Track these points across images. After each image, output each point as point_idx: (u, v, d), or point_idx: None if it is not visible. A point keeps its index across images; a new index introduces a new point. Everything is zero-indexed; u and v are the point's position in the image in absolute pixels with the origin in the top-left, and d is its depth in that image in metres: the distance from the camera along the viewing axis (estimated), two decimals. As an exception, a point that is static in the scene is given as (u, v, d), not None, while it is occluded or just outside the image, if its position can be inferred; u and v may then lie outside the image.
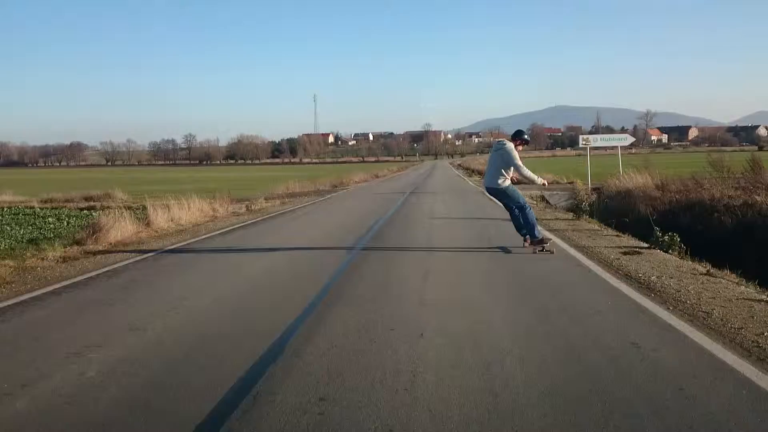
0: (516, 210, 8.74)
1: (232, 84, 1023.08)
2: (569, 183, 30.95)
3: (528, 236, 8.70)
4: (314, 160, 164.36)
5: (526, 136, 9.16)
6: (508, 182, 8.65)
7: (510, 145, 8.63)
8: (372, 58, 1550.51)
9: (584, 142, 22.53)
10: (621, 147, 25.05)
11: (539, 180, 9.07)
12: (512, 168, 8.55)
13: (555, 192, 23.66)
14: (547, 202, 22.41)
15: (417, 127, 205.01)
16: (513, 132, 9.26)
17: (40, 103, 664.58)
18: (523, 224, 8.67)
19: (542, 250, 8.47)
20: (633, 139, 23.42)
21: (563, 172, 41.85)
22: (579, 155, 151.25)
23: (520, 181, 9.19)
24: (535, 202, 19.33)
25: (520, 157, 8.59)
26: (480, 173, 51.27)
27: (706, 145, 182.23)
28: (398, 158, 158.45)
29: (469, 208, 16.58)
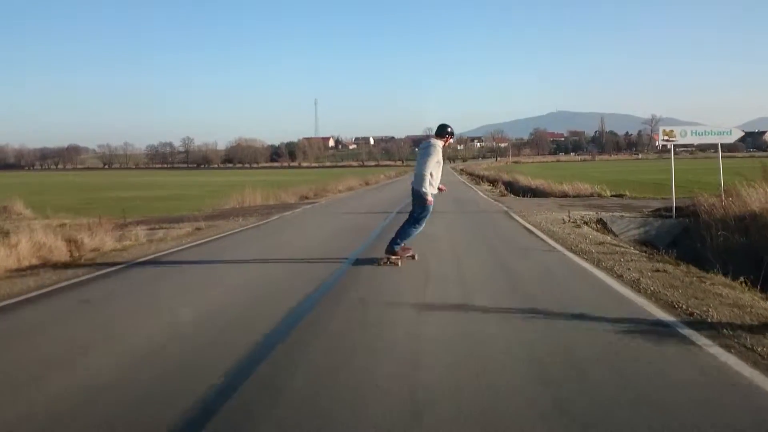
0: (410, 220, 7.43)
1: (233, 87, 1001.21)
2: (617, 196, 22.36)
3: (391, 247, 7.37)
4: (313, 164, 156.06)
5: (449, 129, 7.52)
6: (434, 190, 7.28)
7: (436, 144, 7.28)
8: (373, 61, 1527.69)
9: (666, 138, 13.97)
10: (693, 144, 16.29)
11: (429, 193, 7.22)
12: (437, 172, 7.23)
13: (618, 214, 15.07)
14: (609, 230, 13.87)
15: (418, 131, 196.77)
16: (437, 127, 7.59)
17: (40, 106, 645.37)
18: (399, 233, 7.40)
19: (387, 262, 7.31)
20: (741, 133, 14.85)
21: (583, 179, 33.30)
22: (583, 160, 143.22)
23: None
24: (603, 236, 10.81)
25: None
26: (488, 180, 42.60)
27: (712, 150, 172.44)
28: (399, 162, 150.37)
29: (504, 260, 8.06)
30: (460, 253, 8.84)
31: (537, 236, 10.41)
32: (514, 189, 30.87)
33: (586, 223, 13.56)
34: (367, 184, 39.94)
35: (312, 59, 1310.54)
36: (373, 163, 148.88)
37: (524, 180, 36.40)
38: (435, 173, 7.15)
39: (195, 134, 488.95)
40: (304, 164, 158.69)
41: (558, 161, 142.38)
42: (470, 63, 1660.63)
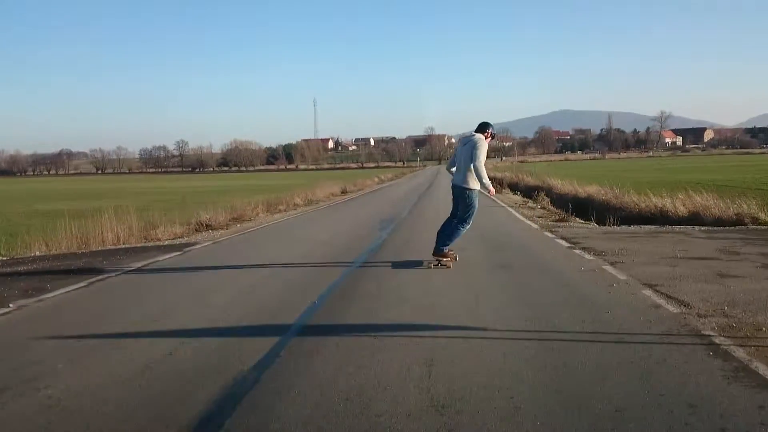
0: (455, 220, 6.92)
1: (231, 89, 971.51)
2: (751, 224, 10.95)
3: (439, 249, 6.87)
4: (311, 167, 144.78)
5: (491, 129, 6.96)
6: (477, 186, 6.75)
7: (481, 137, 6.78)
8: (374, 62, 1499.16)
9: None
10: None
11: (490, 187, 6.85)
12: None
13: None
14: None
15: (420, 131, 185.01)
16: (478, 125, 7.00)
17: (35, 111, 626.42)
18: (446, 235, 6.89)
19: (438, 264, 6.84)
20: None
21: (614, 180, 21.91)
22: (593, 158, 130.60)
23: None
24: None
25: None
26: (511, 186, 31.22)
27: (724, 147, 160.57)
28: (399, 163, 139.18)
29: None
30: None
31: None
32: (558, 201, 19.53)
33: None
34: (343, 193, 28.49)
35: (311, 60, 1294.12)
36: (372, 165, 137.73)
37: (562, 185, 24.88)
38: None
39: (190, 137, 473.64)
40: (302, 166, 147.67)
41: (567, 160, 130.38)
42: (472, 62, 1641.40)
